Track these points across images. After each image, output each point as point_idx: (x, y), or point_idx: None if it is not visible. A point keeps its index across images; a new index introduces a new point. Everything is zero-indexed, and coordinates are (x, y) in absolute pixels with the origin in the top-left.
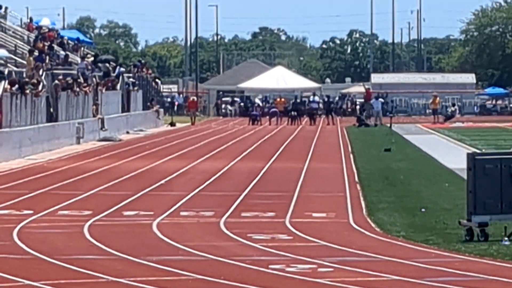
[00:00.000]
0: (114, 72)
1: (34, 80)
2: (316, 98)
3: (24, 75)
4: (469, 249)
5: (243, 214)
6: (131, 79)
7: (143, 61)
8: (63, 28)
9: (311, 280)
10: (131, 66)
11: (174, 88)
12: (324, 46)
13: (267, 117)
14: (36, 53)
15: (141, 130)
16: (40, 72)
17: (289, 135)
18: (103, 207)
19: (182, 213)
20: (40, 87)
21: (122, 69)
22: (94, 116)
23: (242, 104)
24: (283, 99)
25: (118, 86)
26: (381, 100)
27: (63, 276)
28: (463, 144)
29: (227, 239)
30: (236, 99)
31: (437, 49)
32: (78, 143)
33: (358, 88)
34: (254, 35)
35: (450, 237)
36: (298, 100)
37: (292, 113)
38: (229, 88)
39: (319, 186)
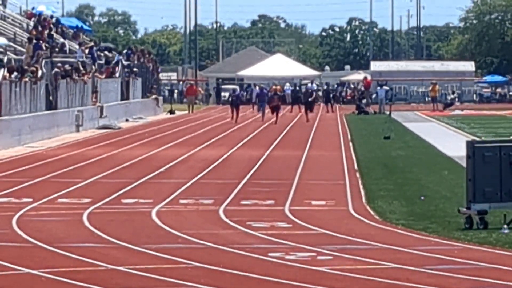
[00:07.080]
0: (113, 59)
1: (33, 68)
2: (314, 86)
3: (23, 62)
4: (468, 237)
5: (243, 202)
6: (126, 64)
7: (139, 48)
8: (63, 16)
9: (311, 268)
10: (125, 52)
11: (173, 75)
12: (323, 33)
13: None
14: (35, 40)
15: (140, 118)
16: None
17: (288, 123)
18: (102, 195)
19: (182, 201)
20: (39, 75)
21: (121, 57)
22: (93, 104)
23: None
24: (278, 87)
25: (117, 74)
26: (385, 88)
27: (62, 264)
28: (462, 132)
29: (226, 227)
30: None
31: (436, 37)
32: (78, 131)
33: (358, 76)
34: (253, 22)
35: (449, 225)
36: (298, 88)
37: (275, 96)
38: (228, 76)
39: (318, 174)
